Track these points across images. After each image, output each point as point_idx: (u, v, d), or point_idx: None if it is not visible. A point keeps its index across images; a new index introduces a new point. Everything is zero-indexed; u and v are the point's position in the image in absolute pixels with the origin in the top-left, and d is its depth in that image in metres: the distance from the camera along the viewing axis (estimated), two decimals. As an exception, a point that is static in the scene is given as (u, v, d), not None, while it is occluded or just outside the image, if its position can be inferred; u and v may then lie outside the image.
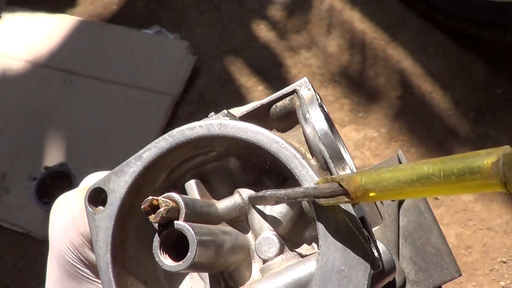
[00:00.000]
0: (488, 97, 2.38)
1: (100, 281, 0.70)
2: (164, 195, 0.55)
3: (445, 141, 2.35)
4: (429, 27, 2.56)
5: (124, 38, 2.71)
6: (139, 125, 2.50)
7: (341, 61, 2.56)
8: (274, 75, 2.54)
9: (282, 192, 0.54)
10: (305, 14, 2.71)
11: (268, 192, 0.56)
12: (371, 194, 0.49)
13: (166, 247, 0.53)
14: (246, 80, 2.58)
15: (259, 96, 2.48)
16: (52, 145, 2.52)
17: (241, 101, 2.47)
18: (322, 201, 0.53)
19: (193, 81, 2.61)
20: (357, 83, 2.50)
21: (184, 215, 0.53)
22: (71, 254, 0.71)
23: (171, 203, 0.53)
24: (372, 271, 0.53)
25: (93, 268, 0.72)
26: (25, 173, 2.48)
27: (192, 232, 0.51)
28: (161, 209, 0.51)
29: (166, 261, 0.52)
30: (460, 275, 0.77)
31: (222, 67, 2.64)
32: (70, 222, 0.70)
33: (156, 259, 0.52)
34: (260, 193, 0.57)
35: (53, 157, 2.49)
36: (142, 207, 0.52)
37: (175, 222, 0.52)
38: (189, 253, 0.51)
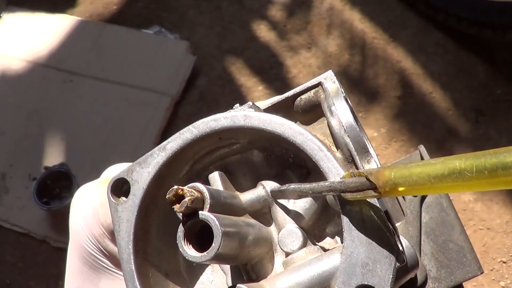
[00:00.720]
0: (488, 97, 2.38)
1: (120, 272, 0.70)
2: (189, 185, 0.54)
3: (445, 141, 2.35)
4: (429, 27, 2.56)
5: (124, 38, 2.71)
6: (139, 125, 2.50)
7: (341, 61, 2.56)
8: (274, 75, 2.54)
9: (306, 186, 0.53)
10: (305, 14, 2.70)
11: (292, 186, 0.55)
12: (401, 189, 0.48)
13: (190, 238, 0.52)
14: (246, 80, 2.58)
15: (259, 96, 2.48)
16: (52, 145, 2.52)
17: (241, 101, 2.46)
18: (349, 196, 0.52)
19: (193, 81, 2.61)
20: (357, 83, 2.50)
21: (209, 205, 0.53)
22: (91, 244, 0.71)
23: (196, 193, 0.53)
24: (397, 265, 0.53)
25: (113, 259, 0.72)
26: (25, 173, 2.48)
27: (217, 222, 0.51)
28: (186, 199, 0.51)
29: (190, 251, 0.52)
30: (482, 273, 0.77)
31: (222, 67, 2.64)
32: (91, 213, 0.70)
33: (180, 249, 0.52)
34: (284, 187, 0.56)
35: (53, 157, 2.49)
36: (167, 196, 0.51)
37: (200, 212, 0.52)
38: (213, 244, 0.50)
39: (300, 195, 0.54)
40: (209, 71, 2.65)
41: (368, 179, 0.50)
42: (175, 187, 0.51)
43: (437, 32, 2.54)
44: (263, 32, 2.70)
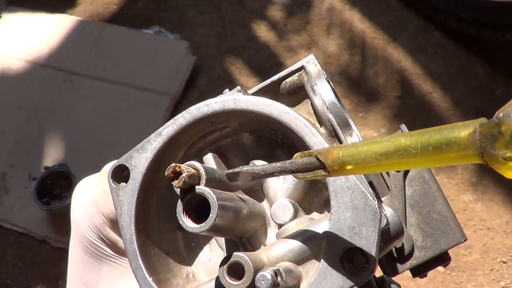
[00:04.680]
0: (487, 97, 2.38)
1: (121, 259, 0.74)
2: (186, 163, 0.57)
3: (445, 141, 2.34)
4: (429, 27, 2.56)
5: (124, 38, 2.71)
6: (139, 125, 2.50)
7: (341, 61, 2.56)
8: (274, 75, 2.54)
9: (259, 167, 0.54)
10: (305, 14, 2.71)
11: (245, 168, 0.56)
12: (348, 167, 0.49)
13: (189, 212, 0.56)
14: (246, 80, 2.58)
15: (259, 96, 2.48)
16: (52, 145, 2.52)
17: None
18: (300, 176, 0.53)
19: (193, 81, 2.61)
20: (357, 83, 2.50)
21: (204, 181, 0.56)
22: (93, 233, 0.74)
23: (192, 170, 0.56)
24: (381, 226, 0.56)
25: (114, 246, 0.75)
26: (25, 173, 2.48)
27: (213, 195, 0.54)
28: (184, 174, 0.54)
29: (189, 223, 0.55)
30: (465, 240, 0.79)
31: (222, 67, 2.64)
32: (91, 202, 0.73)
33: (180, 222, 0.55)
34: (237, 169, 0.57)
35: (53, 157, 2.49)
36: (165, 173, 0.54)
37: (197, 187, 0.55)
38: (210, 215, 0.54)
39: (253, 176, 0.56)
40: (209, 71, 2.65)
41: (317, 158, 0.51)
42: (173, 164, 0.54)
43: (437, 32, 2.54)
44: (263, 32, 2.70)
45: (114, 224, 0.73)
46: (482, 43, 2.49)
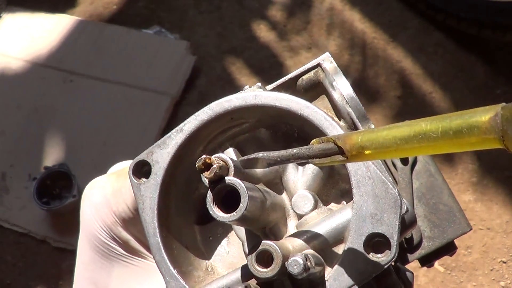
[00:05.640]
0: (487, 97, 2.38)
1: (132, 259, 0.75)
2: (215, 155, 0.59)
3: (445, 141, 2.35)
4: (429, 27, 2.56)
5: (124, 38, 2.71)
6: (139, 125, 2.50)
7: (341, 61, 2.56)
8: (274, 75, 2.54)
9: (275, 153, 0.55)
10: (305, 14, 2.71)
11: (261, 154, 0.56)
12: (367, 152, 0.48)
13: (217, 203, 0.57)
14: (246, 80, 2.58)
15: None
16: (52, 145, 2.52)
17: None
18: (316, 162, 0.53)
19: (193, 81, 2.61)
20: (357, 83, 2.50)
21: (233, 172, 0.58)
22: (104, 232, 0.74)
23: (221, 162, 0.58)
24: (402, 213, 0.59)
25: (126, 246, 0.75)
26: (25, 173, 2.48)
27: (243, 185, 0.56)
28: (214, 165, 0.56)
29: (219, 213, 0.56)
30: (471, 229, 0.83)
31: (222, 67, 2.64)
32: (103, 202, 0.74)
33: (211, 212, 0.56)
34: (252, 155, 0.57)
35: (53, 157, 2.49)
36: (196, 165, 0.56)
37: (226, 177, 0.57)
38: (241, 204, 0.55)
39: (269, 163, 0.56)
40: (209, 71, 2.65)
41: (335, 143, 0.51)
42: (204, 156, 0.56)
43: (437, 32, 2.54)
44: (263, 32, 2.70)
45: (126, 223, 0.73)
46: (482, 43, 2.49)
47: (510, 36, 2.30)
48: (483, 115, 0.41)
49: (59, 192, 2.42)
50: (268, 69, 2.58)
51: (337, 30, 2.64)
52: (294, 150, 0.54)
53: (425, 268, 2.15)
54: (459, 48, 2.50)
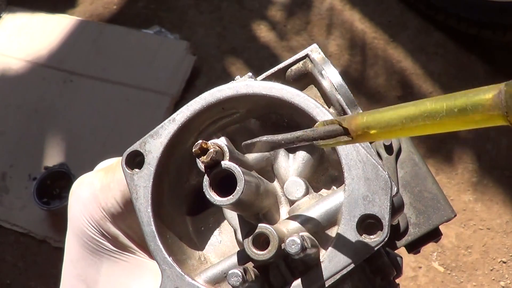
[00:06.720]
0: (488, 97, 2.38)
1: (121, 254, 0.74)
2: (211, 141, 0.60)
3: (445, 141, 2.35)
4: (429, 27, 2.56)
5: (124, 38, 2.71)
6: (139, 125, 2.50)
7: (341, 61, 2.56)
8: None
9: (279, 137, 0.55)
10: (305, 14, 2.71)
11: (265, 137, 0.57)
12: (372, 132, 0.49)
13: (213, 188, 0.58)
14: (246, 80, 2.58)
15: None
16: (52, 145, 2.52)
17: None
18: (321, 143, 0.54)
19: (193, 81, 2.61)
20: (357, 83, 2.50)
21: (228, 156, 0.59)
22: (92, 228, 0.73)
23: (217, 147, 0.58)
24: (392, 194, 0.61)
25: (114, 242, 0.74)
26: (25, 173, 2.48)
27: (239, 169, 0.57)
28: (211, 150, 0.56)
29: (216, 197, 0.57)
30: (455, 215, 0.85)
31: (222, 67, 2.64)
32: (91, 197, 0.73)
33: (207, 196, 0.57)
34: (256, 139, 0.58)
35: (53, 157, 2.49)
36: (193, 150, 0.56)
37: (223, 162, 0.57)
38: (237, 187, 0.56)
39: (273, 146, 0.56)
40: (209, 71, 2.65)
41: (340, 125, 0.51)
42: (200, 141, 0.57)
43: (437, 32, 2.54)
44: (263, 32, 2.70)
45: (115, 218, 0.73)
46: (482, 43, 2.49)
47: (510, 36, 2.30)
48: (487, 93, 0.41)
49: (59, 192, 2.42)
50: (268, 69, 2.58)
51: (337, 30, 2.64)
52: (299, 133, 0.54)
53: (425, 269, 2.15)
54: (459, 48, 2.50)
